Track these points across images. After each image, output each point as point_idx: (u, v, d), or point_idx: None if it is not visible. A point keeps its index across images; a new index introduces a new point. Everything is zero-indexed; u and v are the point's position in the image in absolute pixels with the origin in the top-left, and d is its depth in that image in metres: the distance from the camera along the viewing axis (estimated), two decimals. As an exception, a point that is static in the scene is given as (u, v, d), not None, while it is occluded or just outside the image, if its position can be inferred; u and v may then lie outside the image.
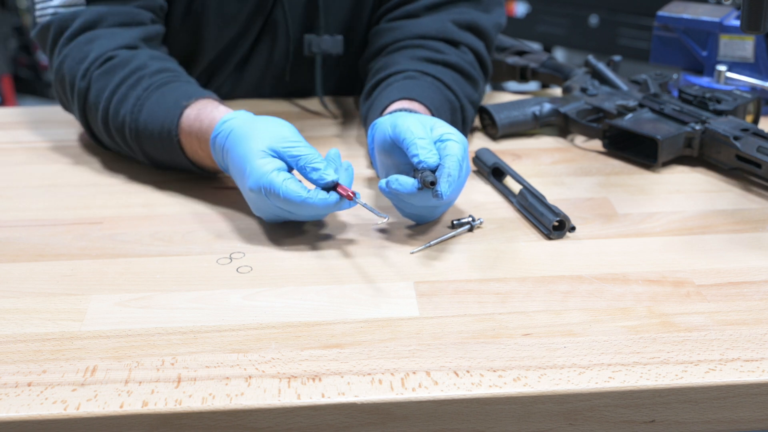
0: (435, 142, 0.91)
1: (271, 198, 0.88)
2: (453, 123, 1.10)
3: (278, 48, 1.25)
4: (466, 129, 1.14)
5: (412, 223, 0.96)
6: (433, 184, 0.86)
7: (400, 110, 1.01)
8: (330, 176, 0.88)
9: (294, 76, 1.28)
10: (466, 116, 1.13)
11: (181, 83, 1.04)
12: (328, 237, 0.93)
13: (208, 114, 0.98)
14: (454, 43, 1.17)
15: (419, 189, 0.88)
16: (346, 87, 1.34)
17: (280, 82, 1.29)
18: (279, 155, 0.90)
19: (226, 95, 1.28)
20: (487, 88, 1.47)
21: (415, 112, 1.01)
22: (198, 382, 0.70)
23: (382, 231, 0.94)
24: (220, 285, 0.85)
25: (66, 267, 0.88)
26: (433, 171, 0.88)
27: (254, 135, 0.91)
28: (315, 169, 0.88)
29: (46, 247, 0.92)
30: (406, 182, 0.89)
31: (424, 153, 0.89)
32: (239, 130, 0.92)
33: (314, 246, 0.91)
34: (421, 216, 0.94)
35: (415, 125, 0.92)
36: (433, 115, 1.05)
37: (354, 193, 0.88)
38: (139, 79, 1.04)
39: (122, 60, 1.05)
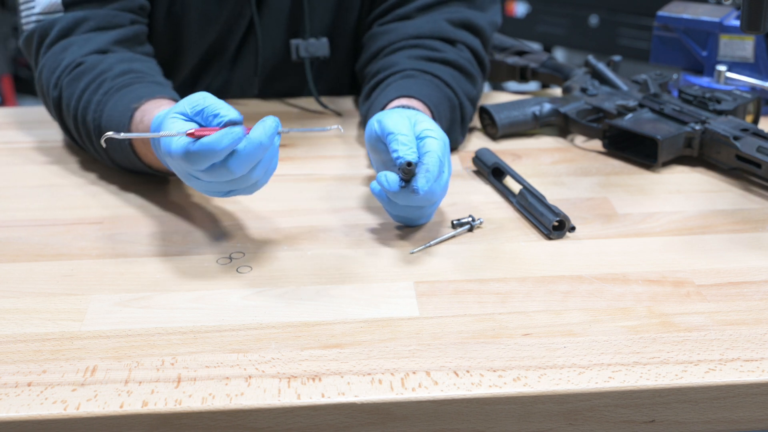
0: (417, 139, 0.91)
1: (173, 158, 0.82)
2: (452, 121, 1.10)
3: (265, 50, 1.25)
4: (464, 127, 1.14)
5: (412, 223, 0.96)
6: (409, 165, 0.85)
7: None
8: (230, 115, 0.81)
9: (283, 77, 1.28)
10: (465, 114, 1.13)
11: (141, 85, 1.03)
12: (328, 237, 0.93)
13: (150, 113, 0.96)
14: (450, 42, 1.17)
15: (402, 187, 0.87)
16: (338, 89, 1.34)
17: (269, 83, 1.29)
18: (189, 118, 0.84)
19: (216, 95, 1.28)
20: (487, 87, 1.47)
21: (414, 109, 1.01)
22: (198, 382, 0.70)
23: (382, 231, 0.94)
24: (220, 285, 0.85)
25: (66, 267, 0.88)
26: (413, 166, 0.87)
27: (169, 112, 0.86)
28: (216, 115, 0.82)
29: (46, 247, 0.92)
30: (391, 179, 0.87)
31: (404, 149, 0.88)
32: (164, 116, 0.88)
33: (314, 246, 0.91)
34: (409, 218, 0.93)
35: (400, 121, 0.92)
36: (432, 112, 1.05)
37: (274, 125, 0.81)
38: (101, 84, 1.03)
39: (89, 65, 1.05)
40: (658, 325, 0.77)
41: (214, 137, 0.80)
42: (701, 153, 1.09)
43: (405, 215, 0.93)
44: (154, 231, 0.95)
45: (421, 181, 0.86)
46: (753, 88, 1.22)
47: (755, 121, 1.16)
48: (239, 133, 0.81)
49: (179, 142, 0.81)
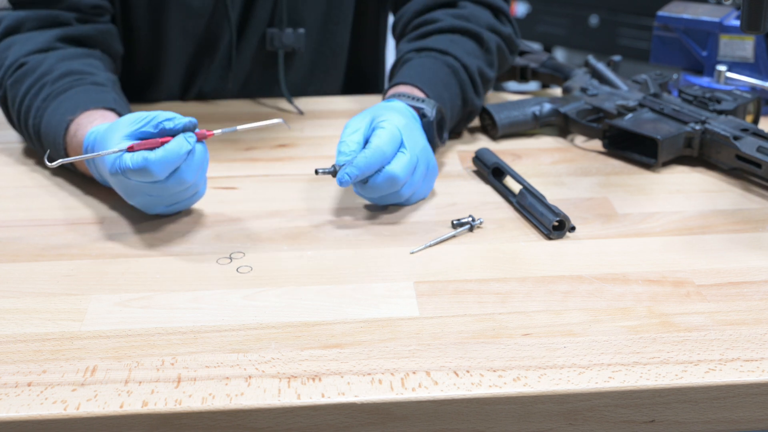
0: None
1: (127, 174, 0.86)
2: (461, 84, 1.12)
3: (257, 45, 1.25)
4: (477, 87, 1.15)
5: (412, 222, 0.96)
6: (332, 173, 0.93)
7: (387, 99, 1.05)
8: (185, 119, 0.87)
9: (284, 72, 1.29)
10: (471, 73, 1.13)
11: (79, 89, 1.03)
12: (328, 237, 0.93)
13: (84, 128, 0.97)
14: (451, 4, 1.19)
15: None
16: (333, 81, 1.35)
17: (269, 79, 1.29)
18: (135, 136, 0.88)
19: (213, 93, 1.29)
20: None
21: (404, 94, 1.04)
22: (198, 382, 0.70)
23: (382, 231, 0.94)
24: (220, 285, 0.85)
25: (66, 267, 0.88)
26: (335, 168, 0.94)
27: (110, 132, 0.90)
28: (169, 119, 0.87)
29: (46, 247, 0.92)
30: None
31: (339, 157, 0.94)
32: (99, 135, 0.92)
33: (314, 246, 0.91)
34: (389, 201, 0.98)
35: (353, 124, 0.97)
36: (423, 90, 1.07)
37: (212, 133, 0.89)
38: (41, 88, 1.04)
39: (31, 67, 1.06)
40: (658, 325, 0.77)
41: (175, 143, 0.85)
42: (701, 153, 1.09)
43: (380, 202, 0.97)
44: (154, 231, 0.95)
45: (340, 173, 0.91)
46: (753, 88, 1.22)
47: (755, 121, 1.16)
48: (192, 136, 0.87)
49: (135, 158, 0.85)
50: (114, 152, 0.86)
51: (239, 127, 0.91)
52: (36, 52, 1.07)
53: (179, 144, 0.86)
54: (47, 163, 0.88)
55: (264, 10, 1.23)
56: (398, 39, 1.24)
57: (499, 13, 1.21)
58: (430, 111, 1.02)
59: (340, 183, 0.91)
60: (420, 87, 1.07)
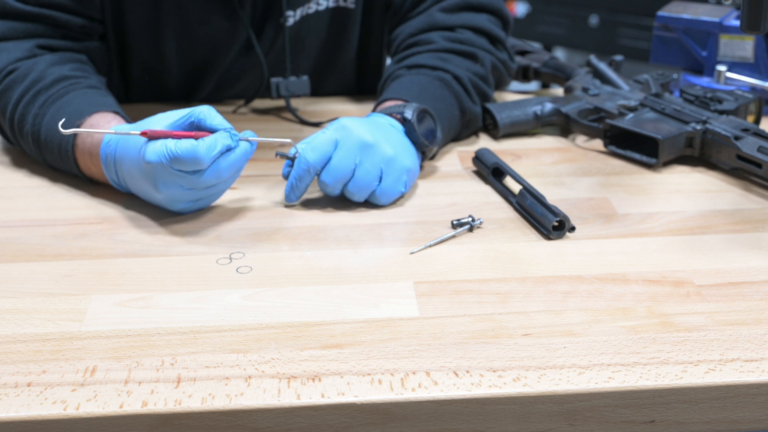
0: None
1: (171, 163, 0.88)
2: (456, 94, 1.12)
3: (255, 82, 1.26)
4: (471, 95, 1.15)
5: (412, 222, 0.96)
6: (291, 159, 0.98)
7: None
8: (225, 124, 0.91)
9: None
10: (465, 84, 1.14)
11: (77, 93, 1.04)
12: (328, 237, 0.93)
13: (101, 129, 0.98)
14: (449, 29, 1.19)
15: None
16: (345, 86, 1.36)
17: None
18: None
19: (211, 99, 1.28)
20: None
21: (387, 108, 1.05)
22: (198, 383, 0.70)
23: (382, 231, 0.94)
24: (220, 285, 0.85)
25: (66, 267, 0.88)
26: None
27: (143, 128, 0.92)
28: (210, 116, 0.91)
29: (46, 247, 0.92)
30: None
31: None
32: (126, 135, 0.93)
33: (314, 246, 0.91)
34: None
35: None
36: (407, 102, 1.07)
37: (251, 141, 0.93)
38: (36, 94, 1.04)
39: (21, 73, 1.06)
40: (658, 325, 0.77)
41: (221, 135, 0.90)
42: (702, 153, 1.09)
43: (353, 199, 0.99)
44: (154, 231, 0.95)
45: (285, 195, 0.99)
46: (753, 88, 1.22)
47: (757, 122, 1.16)
48: (237, 135, 0.92)
49: (183, 145, 0.87)
50: (127, 134, 0.91)
51: (251, 138, 0.93)
52: (24, 58, 1.07)
53: (224, 137, 0.90)
54: (61, 130, 0.91)
55: (267, 57, 1.24)
56: (392, 57, 1.24)
57: (496, 41, 1.21)
58: (411, 114, 1.02)
59: (287, 200, 0.99)
60: (407, 101, 1.07)
